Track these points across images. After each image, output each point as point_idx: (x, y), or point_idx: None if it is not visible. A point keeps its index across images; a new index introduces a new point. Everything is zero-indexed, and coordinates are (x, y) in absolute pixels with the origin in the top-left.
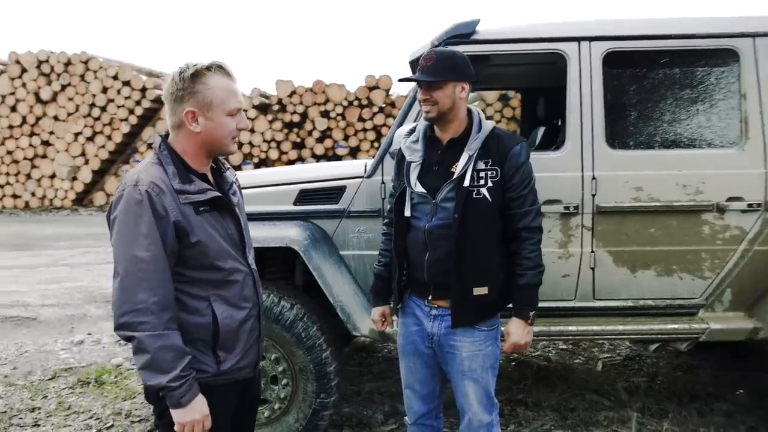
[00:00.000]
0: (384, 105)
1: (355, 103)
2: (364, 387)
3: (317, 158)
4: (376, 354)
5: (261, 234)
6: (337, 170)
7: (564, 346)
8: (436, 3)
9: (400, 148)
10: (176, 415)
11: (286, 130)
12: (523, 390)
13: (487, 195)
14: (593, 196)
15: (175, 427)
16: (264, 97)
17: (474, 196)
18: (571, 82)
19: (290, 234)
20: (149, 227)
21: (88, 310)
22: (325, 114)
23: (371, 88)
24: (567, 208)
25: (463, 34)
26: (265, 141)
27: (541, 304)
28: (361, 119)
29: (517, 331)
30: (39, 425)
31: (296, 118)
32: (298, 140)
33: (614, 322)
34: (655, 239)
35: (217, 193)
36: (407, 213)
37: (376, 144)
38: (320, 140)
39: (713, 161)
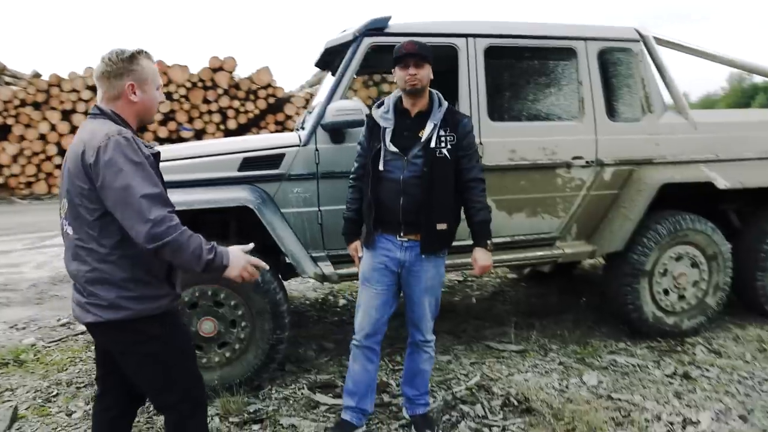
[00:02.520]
0: (228, 87)
1: (199, 84)
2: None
3: (160, 141)
4: None
5: (216, 196)
6: (275, 140)
7: (444, 289)
8: None
9: (370, 117)
10: (230, 272)
11: None
12: None
13: (447, 155)
14: (481, 157)
15: (235, 277)
16: None
17: (437, 155)
18: (461, 69)
19: (243, 195)
20: (142, 158)
21: None
22: (167, 96)
23: (215, 70)
24: None
25: (379, 27)
26: None
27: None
28: (205, 101)
29: (483, 256)
30: None
31: None
32: None
33: (499, 254)
34: (525, 189)
35: (158, 150)
36: (381, 168)
37: (222, 126)
38: (163, 123)
39: (562, 130)
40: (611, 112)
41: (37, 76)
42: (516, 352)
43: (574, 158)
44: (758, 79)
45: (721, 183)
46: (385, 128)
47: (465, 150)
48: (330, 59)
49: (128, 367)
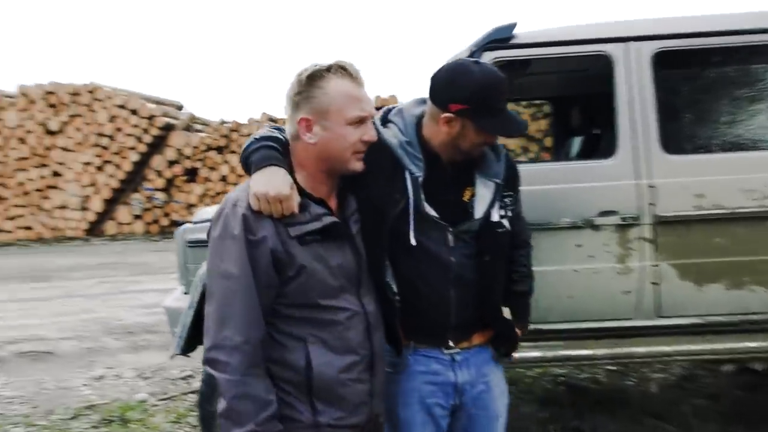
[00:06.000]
0: None
1: None
2: None
3: None
4: None
5: None
6: None
7: (612, 367)
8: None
9: (380, 143)
10: None
11: None
12: (578, 416)
13: (508, 226)
14: (652, 205)
15: None
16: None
17: (499, 230)
18: (618, 84)
19: None
20: (240, 254)
21: (107, 343)
22: None
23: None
24: (624, 219)
25: (502, 38)
26: None
27: (599, 324)
28: None
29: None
30: None
31: None
32: None
33: (683, 342)
34: (721, 249)
35: (335, 219)
36: (412, 240)
37: None
38: None
39: None
40: None
41: (223, 123)
42: None
43: None
44: None
45: None
46: (416, 176)
47: (519, 204)
48: None
49: None
